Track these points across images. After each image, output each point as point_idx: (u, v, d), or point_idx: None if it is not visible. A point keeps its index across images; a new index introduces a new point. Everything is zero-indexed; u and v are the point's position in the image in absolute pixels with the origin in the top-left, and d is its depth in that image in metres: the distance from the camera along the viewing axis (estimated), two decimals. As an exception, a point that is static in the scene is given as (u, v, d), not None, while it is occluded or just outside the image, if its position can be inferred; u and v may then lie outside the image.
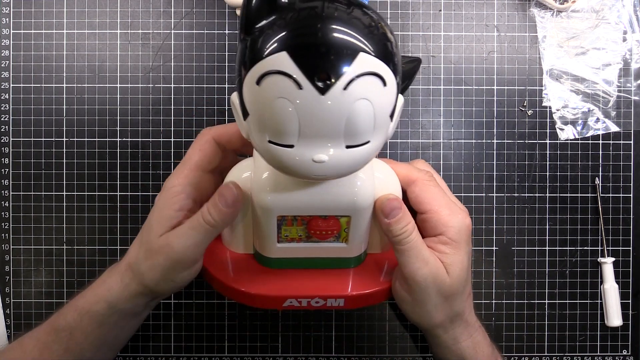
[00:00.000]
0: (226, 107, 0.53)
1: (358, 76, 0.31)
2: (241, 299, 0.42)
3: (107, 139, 0.53)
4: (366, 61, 0.31)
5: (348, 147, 0.33)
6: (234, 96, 0.35)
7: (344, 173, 0.35)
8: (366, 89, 0.31)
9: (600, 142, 0.54)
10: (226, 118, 0.53)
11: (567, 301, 0.54)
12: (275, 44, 0.31)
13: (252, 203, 0.40)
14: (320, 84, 0.30)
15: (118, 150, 0.53)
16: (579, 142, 0.54)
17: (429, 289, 0.40)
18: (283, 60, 0.30)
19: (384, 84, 0.32)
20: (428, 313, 0.41)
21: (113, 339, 0.45)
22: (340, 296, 0.42)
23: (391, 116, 0.34)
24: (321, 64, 0.30)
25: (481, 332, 0.44)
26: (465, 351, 0.43)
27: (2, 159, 0.53)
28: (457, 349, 0.43)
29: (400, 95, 0.35)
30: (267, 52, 0.31)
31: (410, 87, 0.53)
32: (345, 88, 0.30)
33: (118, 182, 0.53)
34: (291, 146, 0.32)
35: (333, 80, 0.30)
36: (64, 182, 0.53)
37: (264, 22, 0.32)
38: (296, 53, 0.30)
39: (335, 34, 0.30)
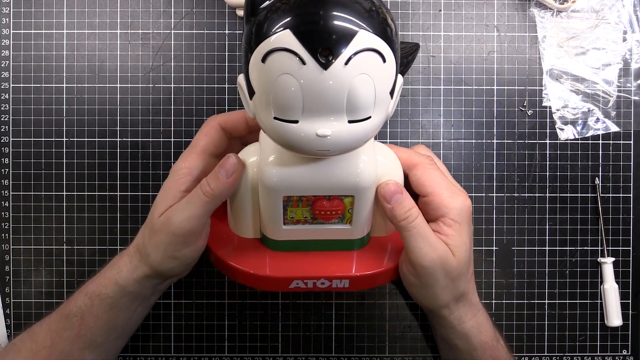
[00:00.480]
0: (226, 108, 0.53)
1: (358, 52, 0.32)
2: (249, 281, 0.43)
3: (107, 139, 0.53)
4: (366, 38, 0.32)
5: (350, 121, 0.34)
6: (241, 78, 0.36)
7: (347, 148, 0.36)
8: (366, 65, 0.32)
9: (600, 142, 0.54)
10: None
11: (567, 301, 0.54)
12: (280, 23, 0.32)
13: (259, 185, 0.41)
14: (322, 60, 0.32)
15: (118, 150, 0.53)
16: (579, 142, 0.54)
17: (436, 272, 0.41)
18: (287, 38, 0.32)
19: (384, 60, 0.33)
20: (435, 295, 0.42)
21: (123, 324, 0.46)
22: (345, 277, 0.43)
23: (391, 94, 0.35)
24: (323, 41, 0.31)
25: (484, 312, 0.45)
26: (469, 331, 0.44)
27: (2, 159, 0.53)
28: (462, 328, 0.44)
29: (399, 76, 0.36)
30: (271, 30, 0.32)
31: (410, 86, 0.53)
32: (346, 63, 0.32)
33: (118, 182, 0.53)
34: (296, 121, 0.34)
35: (335, 56, 0.32)
36: (64, 182, 0.53)
37: (268, 2, 0.33)
38: (299, 30, 0.32)
39: (337, 13, 0.32)
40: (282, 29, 0.32)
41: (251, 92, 0.35)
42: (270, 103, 0.34)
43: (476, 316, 0.44)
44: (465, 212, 0.41)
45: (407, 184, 0.43)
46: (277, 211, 0.41)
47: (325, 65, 0.32)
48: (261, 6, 0.33)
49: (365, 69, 0.32)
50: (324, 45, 0.31)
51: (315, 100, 0.33)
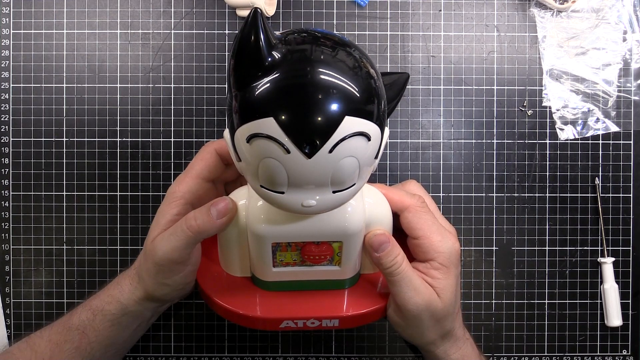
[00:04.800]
0: (226, 107, 0.53)
1: (343, 139, 0.32)
2: (240, 321, 0.43)
3: (107, 139, 0.53)
4: (350, 123, 0.32)
5: (335, 192, 0.35)
6: (226, 133, 0.36)
7: (333, 209, 0.36)
8: (351, 148, 0.33)
9: (600, 142, 0.54)
10: (226, 118, 0.53)
11: (567, 301, 0.54)
12: (263, 108, 0.32)
13: (247, 231, 0.41)
14: (306, 150, 0.32)
15: (118, 150, 0.53)
16: (579, 142, 0.54)
17: (422, 315, 0.42)
18: (271, 126, 0.32)
19: (369, 139, 0.33)
20: (421, 334, 0.44)
21: (122, 342, 0.46)
22: (334, 317, 0.43)
23: (376, 156, 0.36)
24: (307, 132, 0.32)
25: (469, 343, 0.46)
26: None
27: (2, 159, 0.53)
28: None
29: (386, 128, 0.36)
30: (256, 113, 0.32)
31: (410, 86, 0.53)
32: (330, 151, 0.32)
33: (118, 182, 0.53)
34: (282, 192, 0.34)
35: (319, 146, 0.32)
36: (64, 182, 0.53)
37: (252, 82, 0.33)
38: (283, 121, 0.32)
39: (320, 99, 0.32)
40: (265, 115, 0.32)
41: (238, 157, 0.35)
42: (257, 175, 0.34)
43: (461, 349, 0.45)
44: (454, 255, 0.42)
45: (397, 222, 0.43)
46: (267, 255, 0.42)
47: (309, 155, 0.32)
48: (245, 84, 0.33)
49: (350, 152, 0.33)
50: (308, 137, 0.31)
51: (300, 180, 0.33)
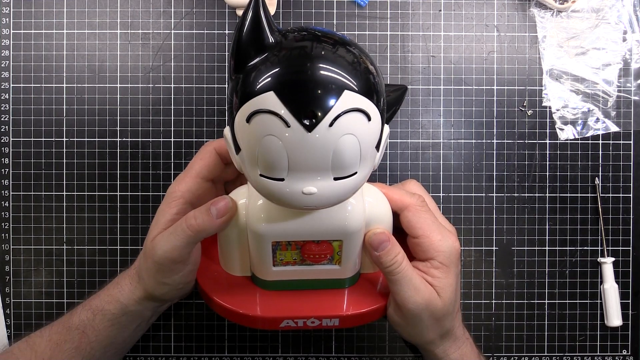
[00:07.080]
0: (226, 107, 0.53)
1: (343, 113, 0.32)
2: (240, 320, 0.44)
3: (107, 139, 0.53)
4: (350, 98, 0.32)
5: (336, 179, 0.34)
6: (227, 131, 0.36)
7: (334, 203, 0.36)
8: (351, 125, 0.33)
9: (600, 142, 0.54)
10: (226, 118, 0.53)
11: (567, 301, 0.54)
12: (263, 84, 0.32)
13: (247, 230, 0.41)
14: (306, 122, 0.32)
15: (118, 150, 0.53)
16: (579, 142, 0.54)
17: (422, 314, 0.42)
18: (271, 100, 0.32)
19: (369, 118, 0.33)
20: (420, 333, 0.44)
21: (122, 341, 0.46)
22: (334, 316, 0.43)
23: (377, 147, 0.36)
24: (307, 103, 0.32)
25: (469, 343, 0.46)
26: None
27: (2, 159, 0.53)
28: None
29: (386, 126, 0.37)
30: (255, 91, 0.33)
31: (410, 86, 0.53)
32: (330, 125, 0.32)
33: (118, 182, 0.53)
34: (281, 179, 0.34)
35: (319, 118, 0.32)
36: (64, 182, 0.53)
37: (251, 62, 0.33)
38: (283, 93, 0.32)
39: (320, 74, 0.32)
40: (265, 90, 0.32)
41: (237, 148, 0.36)
42: (256, 161, 0.34)
43: (460, 348, 0.45)
44: (454, 255, 0.42)
45: (397, 222, 0.43)
46: (267, 254, 0.42)
47: (309, 128, 0.32)
48: (244, 65, 0.34)
49: (350, 129, 0.33)
50: (308, 108, 0.32)
51: (300, 160, 0.33)
